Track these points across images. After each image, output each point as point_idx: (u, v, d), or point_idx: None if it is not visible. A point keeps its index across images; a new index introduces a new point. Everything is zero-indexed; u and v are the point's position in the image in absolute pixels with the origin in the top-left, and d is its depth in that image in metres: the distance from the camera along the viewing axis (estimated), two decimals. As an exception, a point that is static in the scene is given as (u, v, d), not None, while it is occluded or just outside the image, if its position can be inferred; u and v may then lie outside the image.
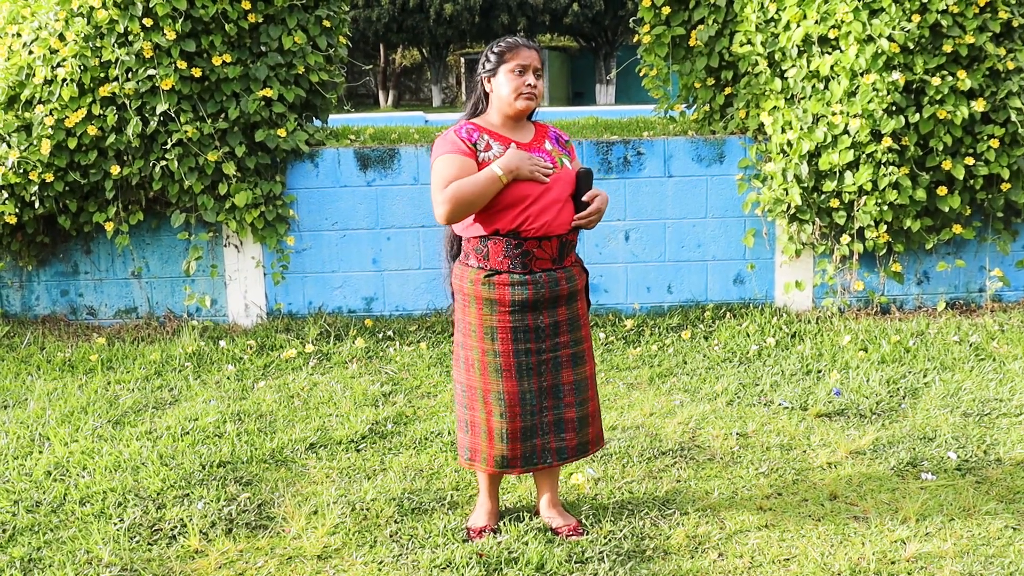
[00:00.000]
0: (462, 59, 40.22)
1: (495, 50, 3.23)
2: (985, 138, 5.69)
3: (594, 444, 3.41)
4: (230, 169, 5.80)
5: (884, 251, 5.99)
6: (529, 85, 3.18)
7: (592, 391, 3.38)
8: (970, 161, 5.67)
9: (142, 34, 5.64)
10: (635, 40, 6.72)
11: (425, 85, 40.04)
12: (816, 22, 5.73)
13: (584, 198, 3.23)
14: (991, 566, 3.16)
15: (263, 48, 5.94)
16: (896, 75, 5.50)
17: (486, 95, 3.28)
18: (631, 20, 6.72)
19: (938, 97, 5.58)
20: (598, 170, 6.17)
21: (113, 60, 5.67)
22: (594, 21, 31.71)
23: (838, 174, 5.78)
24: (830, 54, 5.75)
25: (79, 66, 5.67)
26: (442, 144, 3.19)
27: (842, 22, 5.63)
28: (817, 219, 5.97)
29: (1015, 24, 5.72)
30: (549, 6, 30.72)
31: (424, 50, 34.79)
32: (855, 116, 5.62)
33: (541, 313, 3.22)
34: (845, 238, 5.89)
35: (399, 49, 37.50)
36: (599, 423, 3.43)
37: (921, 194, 5.66)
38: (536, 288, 3.18)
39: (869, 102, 5.56)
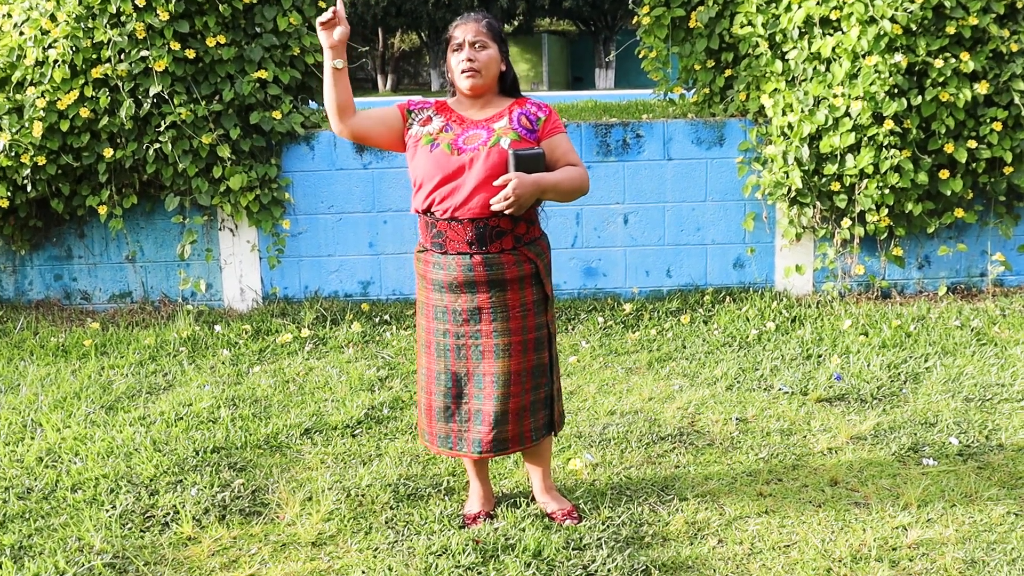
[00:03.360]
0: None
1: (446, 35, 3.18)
2: (988, 121, 5.64)
3: (515, 442, 3.19)
4: (225, 152, 5.74)
5: (885, 235, 5.94)
6: (466, 59, 3.07)
7: (517, 387, 3.14)
8: (972, 144, 5.61)
9: (135, 15, 5.57)
10: (634, 23, 6.65)
11: (424, 69, 39.88)
12: (818, 3, 5.66)
13: (496, 182, 2.97)
14: (993, 552, 3.12)
15: (258, 29, 5.87)
16: (898, 57, 5.44)
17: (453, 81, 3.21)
18: (631, 1, 6.65)
19: (941, 79, 5.52)
20: (596, 153, 6.10)
21: (105, 41, 5.60)
22: (593, 5, 31.54)
23: (839, 157, 5.72)
24: (832, 35, 5.68)
25: (71, 47, 5.60)
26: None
27: (844, 3, 5.56)
28: (818, 202, 5.91)
29: (1019, 5, 5.65)
30: (548, -11, 30.57)
31: (423, 34, 34.61)
32: (857, 98, 5.55)
33: (459, 296, 3.11)
34: (846, 222, 5.83)
35: (398, 33, 37.32)
36: (527, 422, 3.20)
37: (923, 177, 5.61)
38: (448, 270, 3.10)
39: (871, 84, 5.49)
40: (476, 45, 3.08)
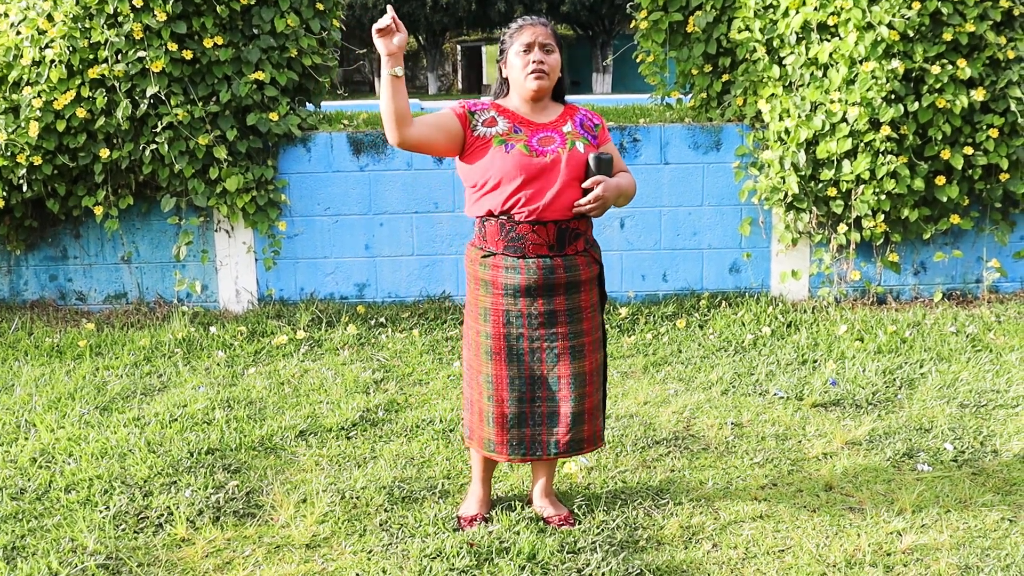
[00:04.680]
0: (458, 47, 40.11)
1: (505, 34, 3.18)
2: (984, 128, 5.65)
3: (590, 442, 3.25)
4: (221, 153, 5.73)
5: (881, 241, 5.95)
6: (535, 61, 3.07)
7: (591, 387, 3.20)
8: (969, 151, 5.62)
9: (132, 15, 5.56)
10: (632, 28, 6.65)
11: (421, 72, 39.89)
12: (815, 9, 5.67)
13: (585, 184, 3.07)
14: (987, 558, 3.12)
15: (255, 30, 5.86)
16: (895, 63, 5.45)
17: (506, 80, 3.20)
18: (628, 5, 6.66)
19: (937, 86, 5.53)
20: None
21: (102, 41, 5.59)
22: (591, 9, 31.57)
23: (836, 163, 5.73)
24: (829, 41, 5.69)
25: (68, 47, 5.59)
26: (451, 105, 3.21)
27: (841, 9, 5.57)
28: (814, 208, 5.92)
29: (1016, 13, 5.66)
30: (546, -6, 30.61)
31: (420, 37, 34.63)
32: (854, 104, 5.56)
33: (536, 300, 3.11)
34: (842, 227, 5.84)
35: (395, 36, 37.34)
36: (598, 421, 3.27)
37: (919, 184, 5.62)
38: (528, 274, 3.09)
39: (868, 90, 5.50)
40: (545, 48, 3.10)
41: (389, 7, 3.01)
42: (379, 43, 2.90)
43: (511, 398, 3.17)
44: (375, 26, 2.87)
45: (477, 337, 3.19)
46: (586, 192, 3.08)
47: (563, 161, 3.06)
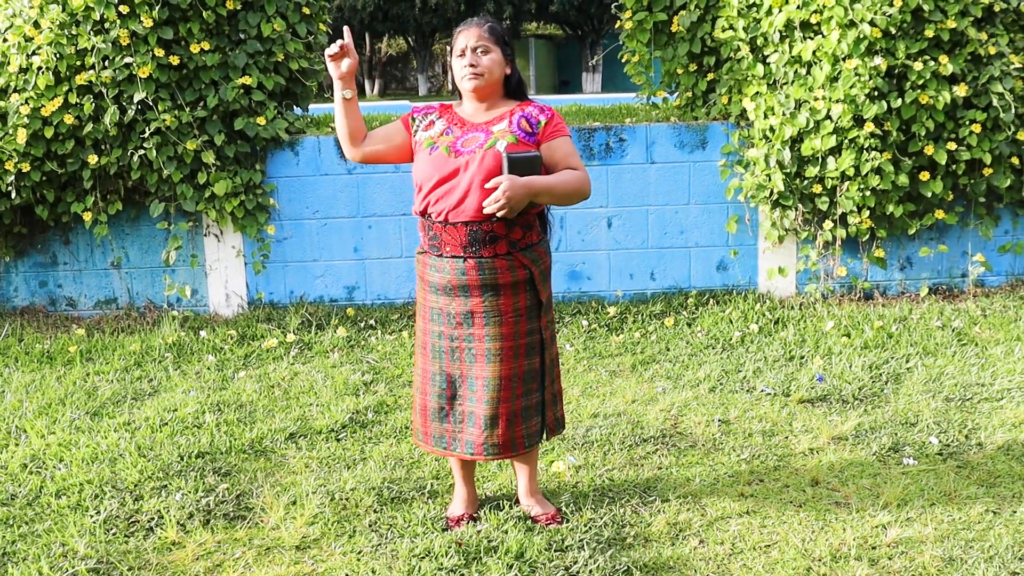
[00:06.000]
0: (448, 48, 40.09)
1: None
2: (967, 123, 5.69)
3: (507, 448, 3.18)
4: (209, 158, 5.75)
5: (867, 237, 5.98)
6: (468, 65, 3.12)
7: (507, 392, 3.14)
8: (952, 146, 5.66)
9: (119, 21, 5.57)
10: (618, 27, 6.68)
11: (411, 74, 39.89)
12: (798, 7, 5.70)
13: (488, 184, 2.96)
14: (971, 550, 3.16)
15: (242, 35, 5.88)
16: (878, 60, 5.49)
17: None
18: (613, 6, 6.69)
19: (920, 82, 5.57)
20: (580, 156, 6.12)
21: (89, 48, 5.60)
22: (580, 9, 31.60)
23: (820, 159, 5.77)
24: (812, 39, 5.72)
25: (55, 54, 5.60)
26: None
27: (824, 7, 5.61)
28: (800, 205, 5.95)
29: (996, 9, 5.70)
30: (535, -6, 30.62)
31: (410, 39, 34.63)
32: (837, 101, 5.60)
33: (453, 299, 3.15)
34: (828, 224, 5.88)
35: (385, 38, 37.33)
36: (518, 428, 3.20)
37: (904, 179, 5.65)
38: (443, 273, 3.13)
39: (851, 87, 5.54)
40: (478, 50, 3.13)
41: (346, 30, 3.11)
42: (330, 67, 3.07)
43: (432, 392, 3.24)
44: (327, 52, 3.03)
45: (416, 330, 3.32)
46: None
47: (475, 161, 3.04)
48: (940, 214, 5.91)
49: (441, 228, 3.10)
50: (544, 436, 3.33)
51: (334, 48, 3.02)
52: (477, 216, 3.05)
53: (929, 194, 5.78)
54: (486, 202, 2.95)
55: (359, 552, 3.22)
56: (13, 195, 5.73)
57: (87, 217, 5.83)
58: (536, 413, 3.26)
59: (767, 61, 5.96)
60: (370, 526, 3.39)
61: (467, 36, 3.14)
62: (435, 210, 3.10)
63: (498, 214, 2.95)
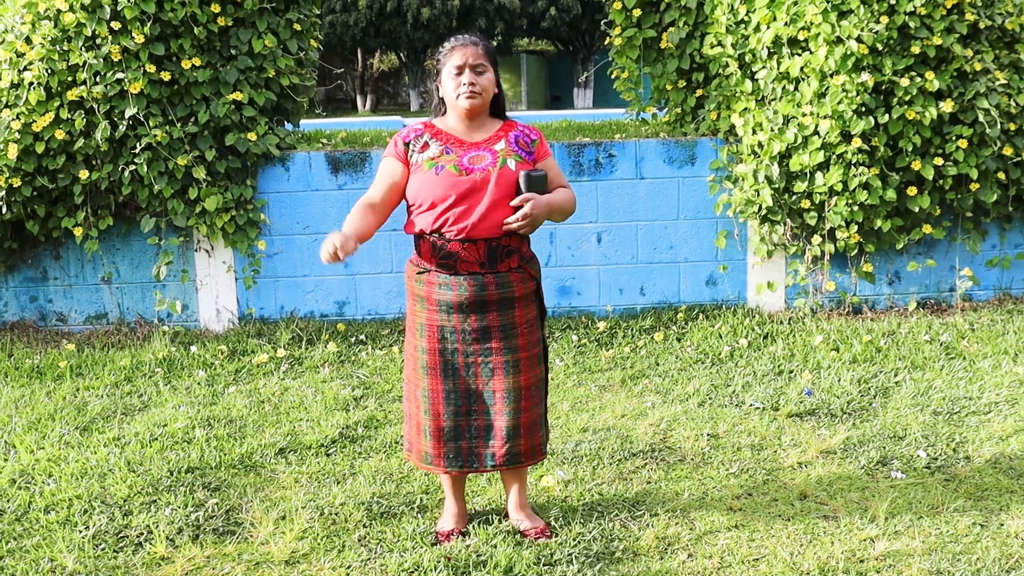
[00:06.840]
0: (436, 62, 40.10)
1: (438, 55, 3.24)
2: (954, 139, 5.74)
3: (527, 456, 3.28)
4: (200, 173, 5.76)
5: (855, 251, 6.02)
6: (466, 84, 3.13)
7: (527, 402, 3.24)
8: (939, 161, 5.71)
9: (110, 37, 5.59)
10: (608, 43, 6.72)
11: (403, 89, 39.97)
12: (786, 24, 5.75)
13: (513, 203, 3.10)
14: (958, 563, 3.17)
15: (233, 51, 5.90)
16: (865, 76, 5.53)
17: (443, 100, 3.26)
18: (602, 23, 6.73)
19: (907, 98, 5.62)
20: (569, 172, 6.17)
21: (81, 64, 5.62)
22: (571, 25, 31.73)
23: (809, 175, 5.81)
24: (800, 55, 5.77)
25: (46, 70, 5.61)
26: (389, 145, 3.27)
27: (811, 24, 5.66)
28: (788, 220, 5.99)
29: (981, 26, 5.76)
30: (527, 10, 30.72)
31: (402, 54, 34.71)
32: (825, 117, 5.64)
33: (469, 316, 3.17)
34: (816, 239, 5.91)
35: (377, 54, 37.42)
36: (537, 435, 3.31)
37: (891, 194, 5.70)
38: (460, 291, 3.14)
39: (839, 103, 5.59)
40: (477, 69, 3.15)
41: (333, 241, 2.95)
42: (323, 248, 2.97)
43: (447, 411, 3.23)
44: (322, 258, 2.95)
45: (414, 352, 3.27)
46: (516, 210, 3.12)
47: (492, 179, 3.11)
48: (928, 229, 5.96)
49: (458, 246, 3.12)
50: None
51: (327, 259, 2.93)
52: (496, 232, 3.12)
53: (916, 209, 5.82)
54: (511, 219, 3.07)
55: (348, 567, 3.22)
56: (4, 210, 5.73)
57: (78, 232, 5.84)
58: (545, 421, 3.39)
59: (755, 77, 6.00)
60: (359, 541, 3.39)
61: (465, 54, 3.15)
62: (454, 228, 3.11)
63: (520, 231, 3.10)
